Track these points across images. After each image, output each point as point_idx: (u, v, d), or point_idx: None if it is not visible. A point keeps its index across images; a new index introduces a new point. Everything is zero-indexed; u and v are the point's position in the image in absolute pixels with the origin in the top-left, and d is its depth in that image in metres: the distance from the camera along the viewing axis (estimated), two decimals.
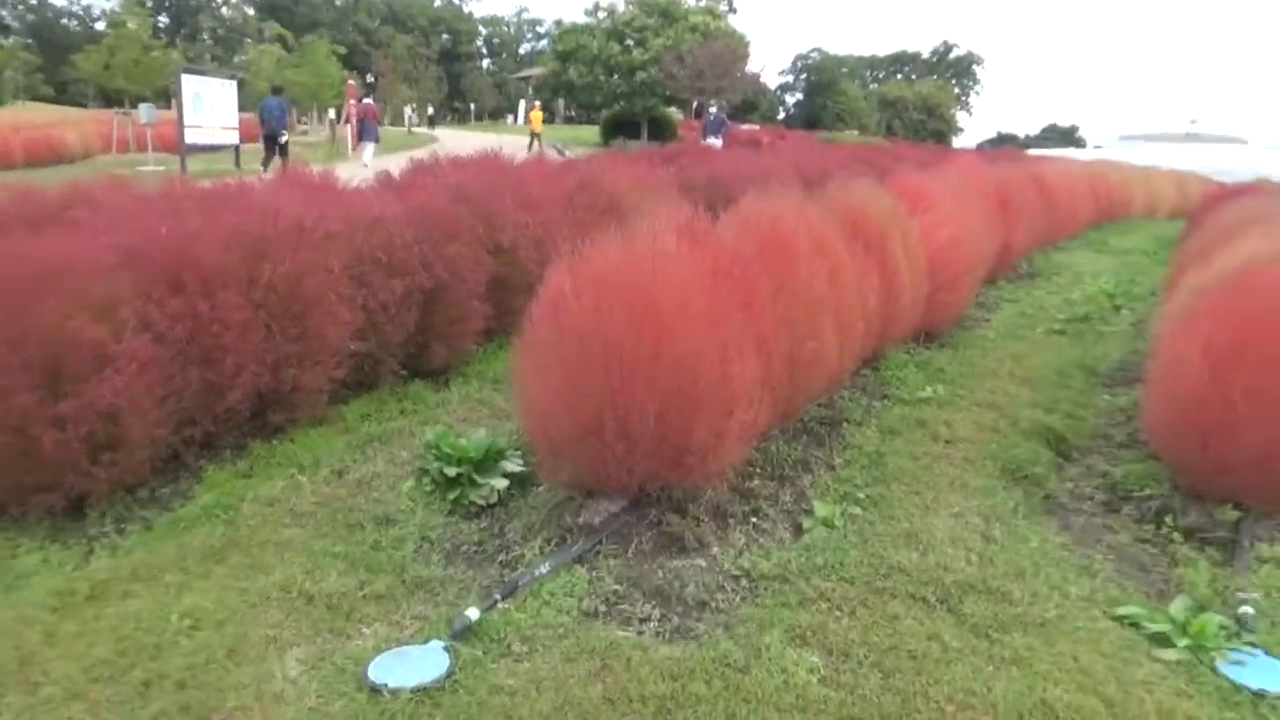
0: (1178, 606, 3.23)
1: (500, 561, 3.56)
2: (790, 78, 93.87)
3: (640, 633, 3.09)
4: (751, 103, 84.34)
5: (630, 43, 34.98)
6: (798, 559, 3.56)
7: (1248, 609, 3.17)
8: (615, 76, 34.80)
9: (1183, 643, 3.03)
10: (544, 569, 3.40)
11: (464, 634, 2.96)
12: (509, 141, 13.57)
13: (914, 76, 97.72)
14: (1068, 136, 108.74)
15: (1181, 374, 4.00)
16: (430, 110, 56.29)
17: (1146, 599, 3.41)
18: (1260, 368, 3.73)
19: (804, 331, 4.49)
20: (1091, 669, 2.88)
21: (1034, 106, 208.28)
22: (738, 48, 34.05)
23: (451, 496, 4.04)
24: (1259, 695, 2.77)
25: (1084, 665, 2.90)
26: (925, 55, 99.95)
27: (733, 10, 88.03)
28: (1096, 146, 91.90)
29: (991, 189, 8.98)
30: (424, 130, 44.59)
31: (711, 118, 18.03)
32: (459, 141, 15.59)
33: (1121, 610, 3.24)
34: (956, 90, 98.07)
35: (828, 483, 4.34)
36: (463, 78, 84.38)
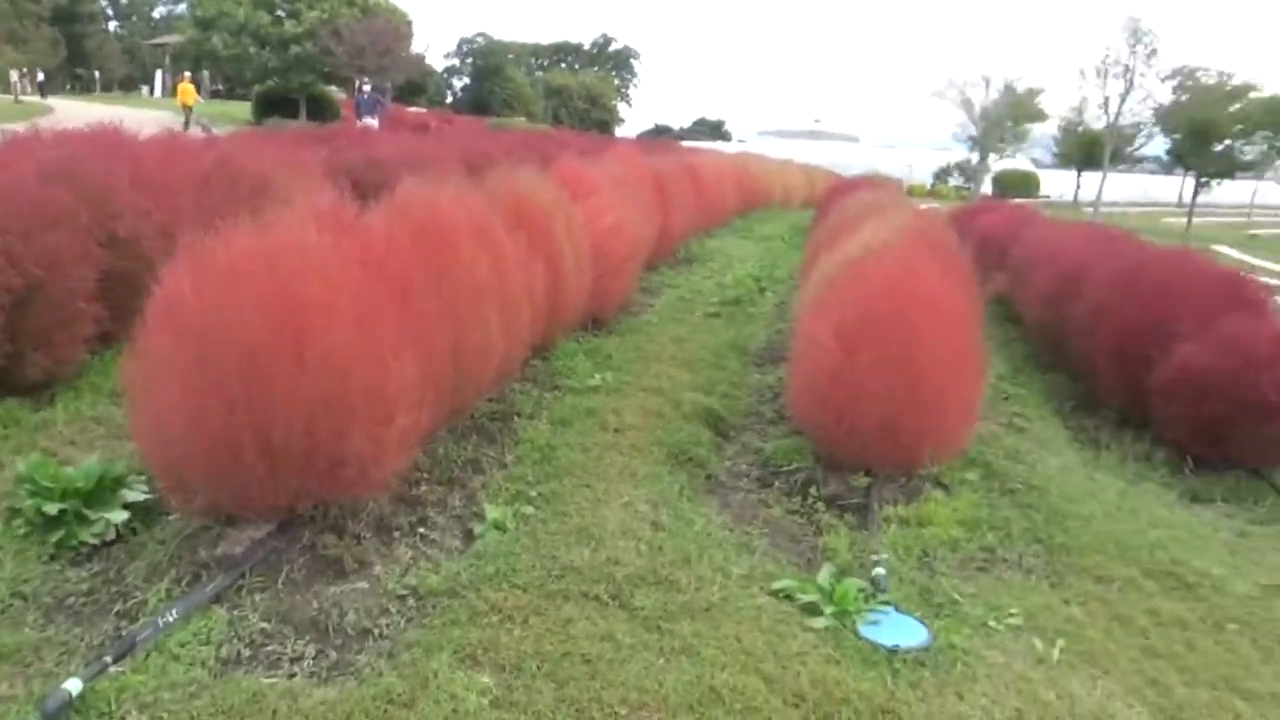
0: (824, 574, 3.46)
1: (117, 613, 3.00)
2: (456, 61, 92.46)
3: (291, 675, 2.72)
4: (419, 85, 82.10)
5: (282, 13, 32.41)
6: (468, 569, 3.36)
7: (880, 570, 3.47)
8: (266, 49, 32.06)
9: (829, 610, 3.24)
10: (171, 616, 2.90)
11: (60, 713, 2.42)
12: (146, 117, 11.88)
13: (577, 66, 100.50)
14: (716, 130, 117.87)
15: (816, 353, 4.32)
16: (40, 77, 48.30)
17: (799, 570, 3.62)
18: (879, 345, 4.12)
19: (469, 322, 4.28)
20: (753, 648, 2.97)
21: (686, 101, 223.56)
22: (400, 25, 32.81)
23: (54, 539, 3.35)
24: (892, 651, 3.02)
25: (746, 645, 2.99)
26: (586, 47, 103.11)
27: None
28: (740, 140, 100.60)
29: (649, 177, 9.35)
30: (35, 99, 38.23)
31: (365, 97, 17.12)
32: (80, 113, 13.39)
33: (777, 584, 3.41)
34: (616, 82, 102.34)
35: (500, 482, 4.18)
36: (85, 40, 73.50)
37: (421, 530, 3.73)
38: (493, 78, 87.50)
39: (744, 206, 16.75)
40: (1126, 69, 19.90)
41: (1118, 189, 52.03)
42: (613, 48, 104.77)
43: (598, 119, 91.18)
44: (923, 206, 24.06)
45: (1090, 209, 43.09)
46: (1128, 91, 19.83)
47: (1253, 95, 25.36)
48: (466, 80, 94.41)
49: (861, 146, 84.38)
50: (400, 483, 3.98)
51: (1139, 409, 5.59)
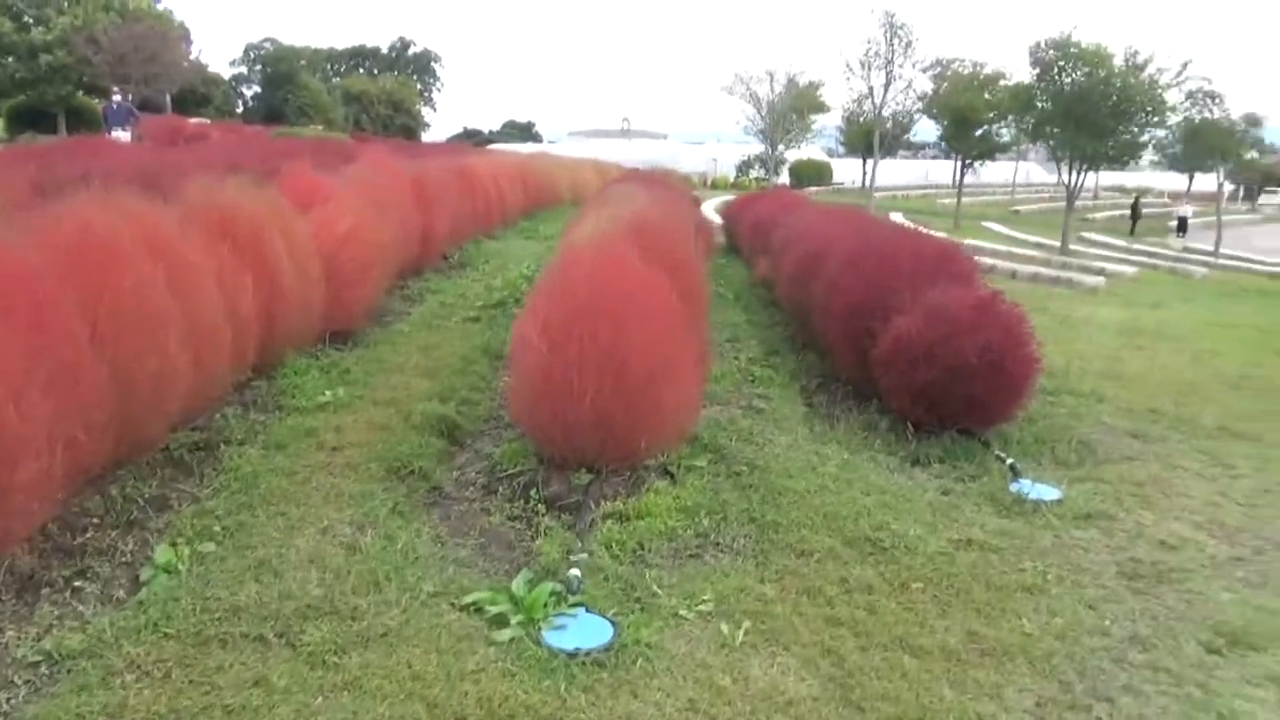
0: (519, 581, 3.33)
1: None
2: (244, 69, 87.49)
3: None
4: (204, 95, 77.00)
5: (30, 20, 29.45)
6: (119, 623, 3.00)
7: (574, 571, 3.37)
8: (13, 59, 29.08)
9: (517, 619, 3.10)
10: None
11: None
12: None
13: (375, 71, 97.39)
14: (526, 132, 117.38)
15: (527, 353, 4.19)
16: None
17: (507, 577, 3.47)
18: (584, 340, 4.03)
19: (137, 348, 3.88)
20: (423, 672, 2.79)
21: (496, 104, 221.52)
22: (168, 31, 30.55)
23: None
24: (572, 655, 2.91)
25: (417, 670, 2.80)
26: (385, 50, 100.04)
27: None
28: (551, 141, 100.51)
29: (405, 181, 8.99)
30: None
31: (115, 107, 15.74)
32: None
33: (469, 598, 3.25)
34: (419, 86, 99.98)
35: (186, 519, 3.80)
36: None
37: (77, 584, 3.33)
38: (285, 85, 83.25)
39: (531, 206, 16.58)
40: (887, 61, 21.21)
41: (903, 174, 55.68)
42: (412, 51, 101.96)
43: (402, 124, 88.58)
44: (719, 199, 24.69)
45: (877, 194, 45.85)
46: (889, 83, 21.12)
47: (1002, 83, 27.61)
48: (258, 88, 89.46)
49: (670, 143, 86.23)
50: (62, 531, 3.56)
51: (869, 381, 5.82)
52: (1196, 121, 26.08)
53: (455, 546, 3.76)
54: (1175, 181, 46.92)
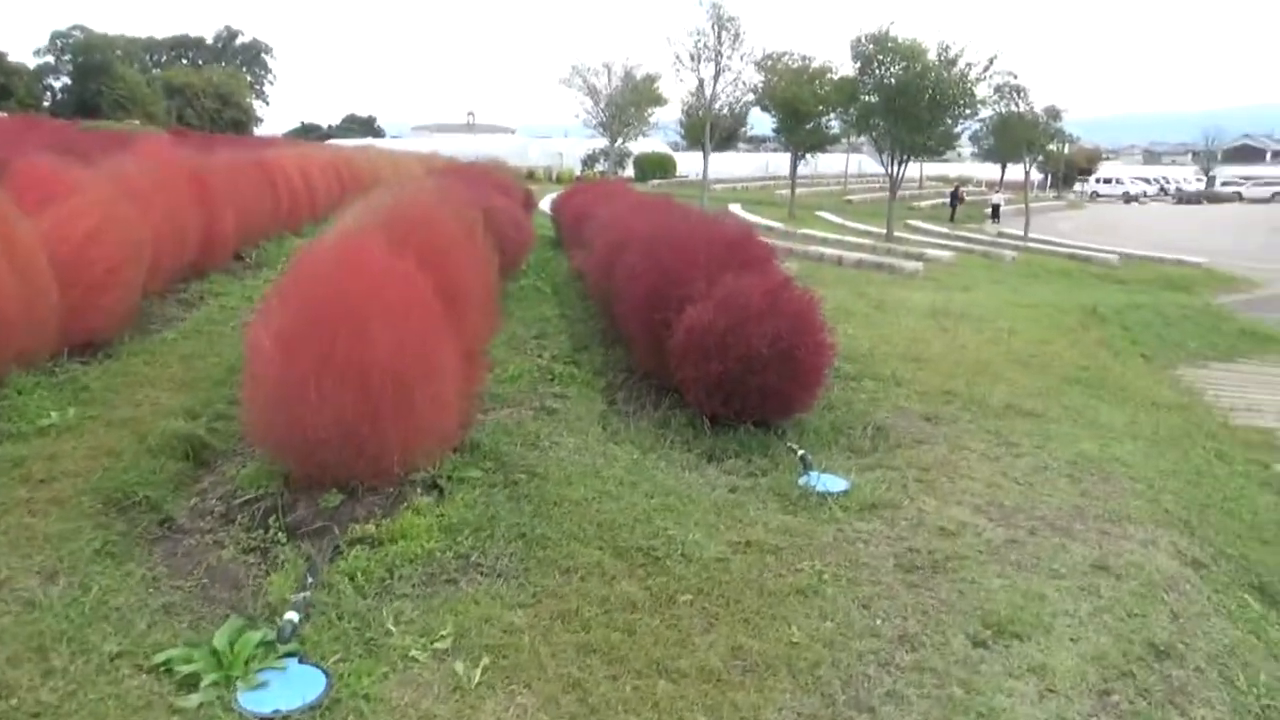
0: (223, 632, 2.86)
1: None
2: (51, 58, 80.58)
3: None
4: (2, 86, 70.20)
5: None
6: None
7: (291, 615, 2.93)
8: None
9: (211, 679, 2.65)
10: None
11: None
12: None
13: (200, 63, 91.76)
14: (367, 126, 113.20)
15: (259, 358, 3.71)
16: None
17: (222, 625, 2.99)
18: (324, 346, 3.59)
19: None
20: None
21: (336, 98, 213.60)
22: None
23: None
24: (271, 717, 2.49)
25: None
26: (210, 41, 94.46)
27: None
28: (394, 136, 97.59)
29: (183, 174, 8.17)
30: None
31: None
32: None
33: (159, 657, 2.76)
34: (249, 79, 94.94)
35: None
36: None
37: None
38: (98, 76, 77.18)
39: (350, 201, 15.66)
40: (716, 53, 21.37)
41: (744, 166, 56.94)
42: (240, 41, 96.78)
43: (231, 119, 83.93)
44: (559, 193, 24.25)
45: (718, 185, 46.62)
46: (719, 74, 21.29)
47: (829, 76, 28.42)
48: (67, 80, 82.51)
49: (516, 138, 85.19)
50: None
51: (668, 374, 5.60)
52: (1004, 114, 27.62)
53: (170, 590, 3.25)
54: (994, 172, 50.01)
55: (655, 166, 61.33)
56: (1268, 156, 78.56)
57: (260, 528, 3.72)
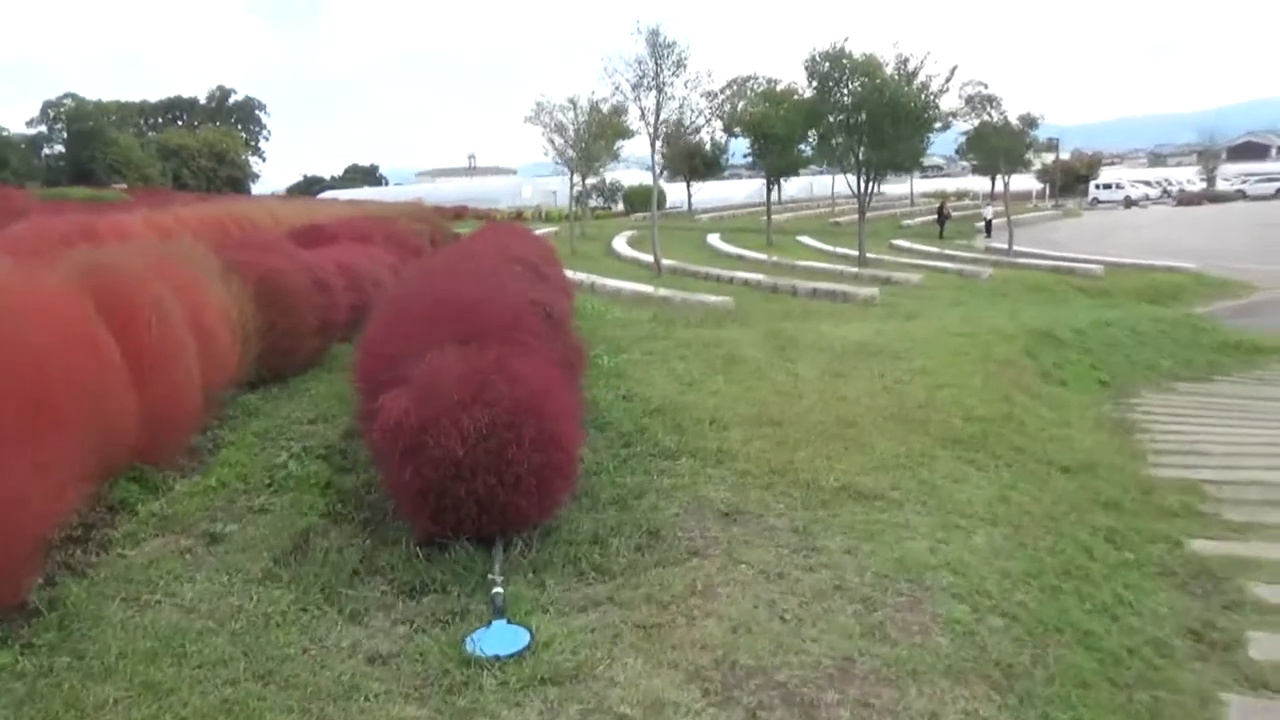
0: None
1: None
2: (44, 128, 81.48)
3: None
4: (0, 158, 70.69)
5: None
6: None
7: None
8: None
9: None
10: None
11: None
12: None
13: (195, 124, 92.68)
14: (370, 175, 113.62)
15: None
16: None
17: None
18: None
19: None
20: None
21: (338, 149, 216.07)
22: None
23: None
24: None
25: None
26: (203, 101, 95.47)
27: None
28: (397, 184, 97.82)
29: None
30: None
31: None
32: None
33: None
34: (244, 136, 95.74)
35: None
36: None
37: None
38: (92, 143, 77.85)
39: None
40: (658, 82, 20.35)
41: (737, 192, 56.08)
42: (233, 100, 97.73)
43: (227, 176, 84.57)
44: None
45: (705, 215, 45.65)
46: (660, 103, 20.25)
47: (795, 98, 27.38)
48: (60, 148, 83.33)
49: (514, 179, 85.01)
50: None
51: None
52: (978, 126, 26.47)
53: None
54: (989, 185, 48.72)
55: (643, 198, 60.85)
56: (1272, 152, 76.72)
57: None
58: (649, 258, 21.70)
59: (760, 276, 19.32)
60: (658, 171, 27.09)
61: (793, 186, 51.26)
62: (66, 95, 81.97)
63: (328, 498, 4.78)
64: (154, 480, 4.76)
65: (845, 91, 22.01)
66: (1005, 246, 26.54)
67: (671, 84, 20.04)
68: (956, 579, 3.82)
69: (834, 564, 3.91)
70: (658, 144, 23.32)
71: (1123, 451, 6.52)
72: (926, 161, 52.93)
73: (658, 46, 19.80)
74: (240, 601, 3.59)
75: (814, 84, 22.93)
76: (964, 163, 43.22)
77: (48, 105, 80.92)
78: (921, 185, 55.60)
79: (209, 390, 5.26)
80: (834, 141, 24.03)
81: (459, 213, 50.77)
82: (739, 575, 3.81)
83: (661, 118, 20.61)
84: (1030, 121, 27.01)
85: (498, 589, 3.59)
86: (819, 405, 6.56)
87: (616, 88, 20.64)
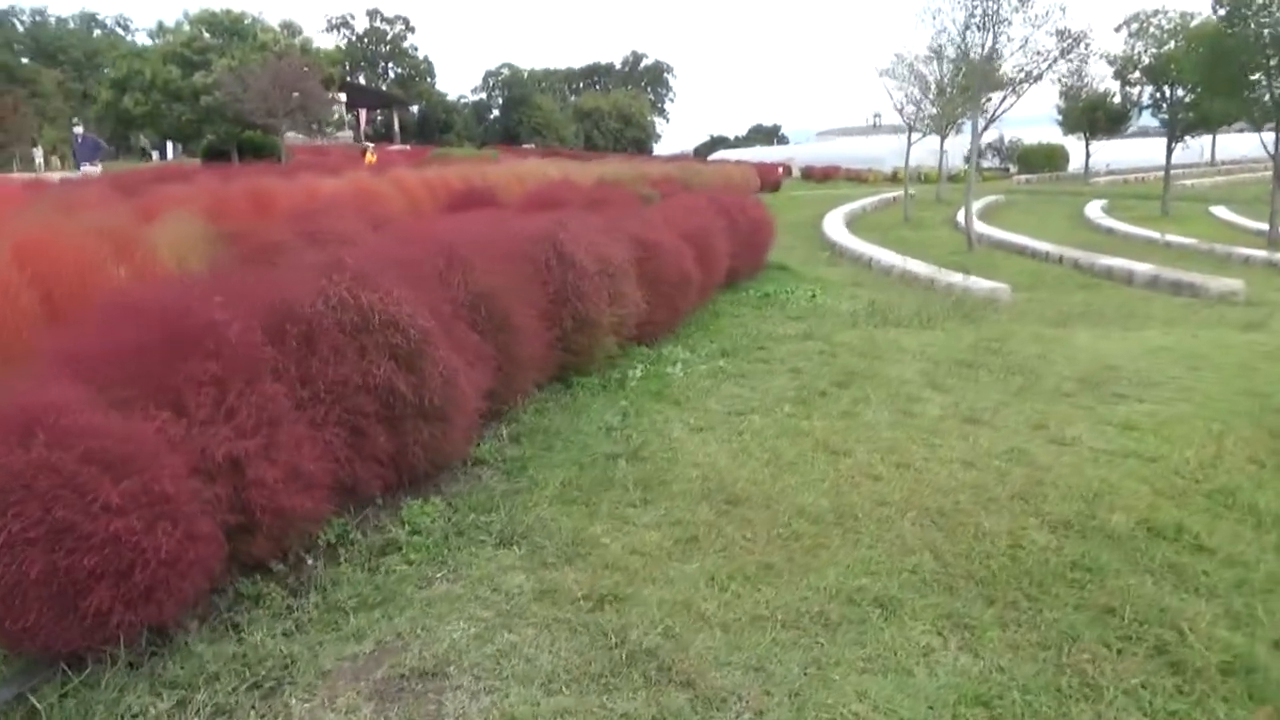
0: None
1: None
2: (484, 95, 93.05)
3: None
4: (445, 121, 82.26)
5: (194, 65, 32.00)
6: None
7: None
8: (180, 103, 31.68)
9: None
10: None
11: None
12: None
13: (610, 87, 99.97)
14: (772, 135, 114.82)
15: None
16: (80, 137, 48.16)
17: None
18: None
19: None
20: None
21: (741, 109, 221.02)
22: (308, 64, 31.98)
23: None
24: None
25: None
26: (618, 66, 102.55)
27: (410, 30, 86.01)
28: (797, 143, 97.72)
29: None
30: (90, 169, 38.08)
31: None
32: None
33: None
34: (651, 98, 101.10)
35: None
36: None
37: None
38: (520, 107, 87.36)
39: None
40: (993, 19, 16.79)
41: (1148, 153, 47.44)
42: (644, 64, 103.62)
43: (633, 137, 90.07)
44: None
45: (1102, 179, 39.10)
46: (994, 45, 16.75)
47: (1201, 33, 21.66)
48: (496, 112, 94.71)
49: (905, 137, 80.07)
50: None
51: None
52: None
53: None
54: None
55: (1044, 159, 54.36)
56: None
57: None
58: (1002, 234, 18.62)
59: (1095, 258, 15.31)
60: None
61: (1238, 143, 41.93)
62: (504, 65, 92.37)
63: None
64: None
65: (1265, 13, 16.69)
66: None
67: (1009, 20, 16.55)
68: None
69: None
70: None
71: None
72: None
73: None
74: None
75: (1222, 11, 17.75)
76: None
77: (488, 74, 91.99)
78: None
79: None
80: (1256, 85, 18.55)
81: (827, 173, 49.07)
82: None
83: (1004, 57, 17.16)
84: None
85: None
86: (909, 490, 4.30)
87: (941, 29, 17.57)
